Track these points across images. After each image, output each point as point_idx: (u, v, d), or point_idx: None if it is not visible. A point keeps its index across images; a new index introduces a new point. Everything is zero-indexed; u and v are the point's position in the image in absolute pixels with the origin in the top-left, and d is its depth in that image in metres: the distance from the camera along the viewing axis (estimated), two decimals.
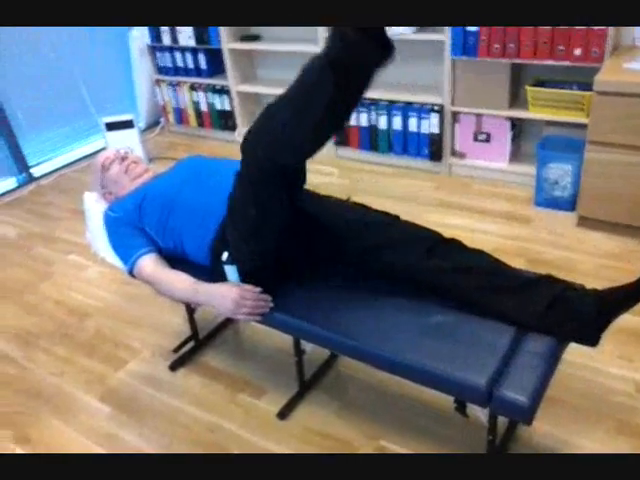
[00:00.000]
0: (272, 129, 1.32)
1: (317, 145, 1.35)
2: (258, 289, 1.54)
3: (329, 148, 3.57)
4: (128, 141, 3.62)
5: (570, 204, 2.69)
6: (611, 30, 2.46)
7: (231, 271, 1.54)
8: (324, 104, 1.24)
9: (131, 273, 1.71)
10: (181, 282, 1.62)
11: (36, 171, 3.74)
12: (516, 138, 3.05)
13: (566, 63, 2.62)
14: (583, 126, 2.53)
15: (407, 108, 3.16)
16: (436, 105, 3.06)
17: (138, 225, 1.74)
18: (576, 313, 1.33)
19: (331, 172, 3.38)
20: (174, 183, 1.78)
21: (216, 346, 2.12)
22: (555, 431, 1.65)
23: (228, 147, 3.91)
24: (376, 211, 1.68)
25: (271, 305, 1.54)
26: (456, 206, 2.90)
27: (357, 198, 3.04)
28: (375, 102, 3.25)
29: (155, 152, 3.91)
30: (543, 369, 1.29)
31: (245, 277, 1.56)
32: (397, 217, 1.65)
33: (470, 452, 1.60)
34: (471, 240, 2.59)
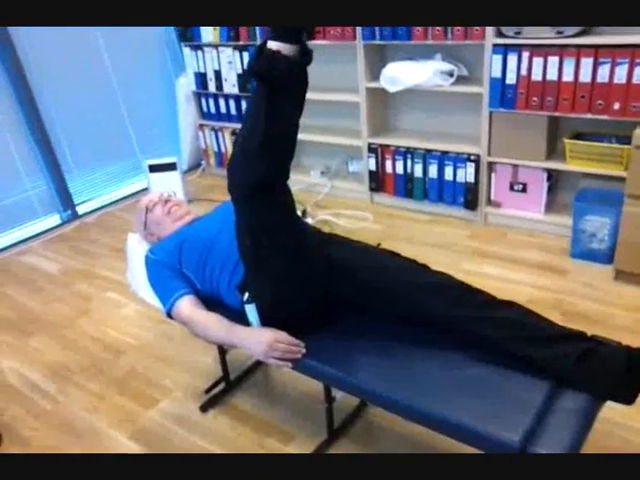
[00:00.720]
0: (234, 155, 1.49)
1: (279, 151, 1.49)
2: (291, 338, 1.56)
3: (364, 194, 3.62)
4: (170, 182, 3.74)
5: (607, 257, 2.65)
6: None
7: (251, 310, 1.58)
8: (264, 113, 1.39)
9: (169, 314, 1.75)
10: (216, 324, 1.65)
11: (81, 209, 3.88)
12: (552, 189, 3.04)
13: (605, 117, 2.63)
14: (621, 179, 2.52)
15: (443, 157, 3.19)
16: (473, 155, 3.08)
17: (177, 267, 1.79)
18: (606, 369, 1.31)
19: (366, 218, 3.42)
20: (212, 227, 1.83)
21: (246, 388, 2.13)
22: None
23: None
24: (405, 259, 1.69)
25: (303, 352, 1.55)
26: (491, 255, 2.89)
27: (391, 244, 3.09)
28: (411, 151, 3.30)
29: (195, 193, 4.02)
30: (578, 427, 1.26)
31: (265, 316, 1.59)
32: (426, 266, 1.66)
33: None
34: (505, 290, 2.61)
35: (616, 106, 2.58)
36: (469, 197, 3.18)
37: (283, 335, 1.55)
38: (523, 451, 1.21)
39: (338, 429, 1.86)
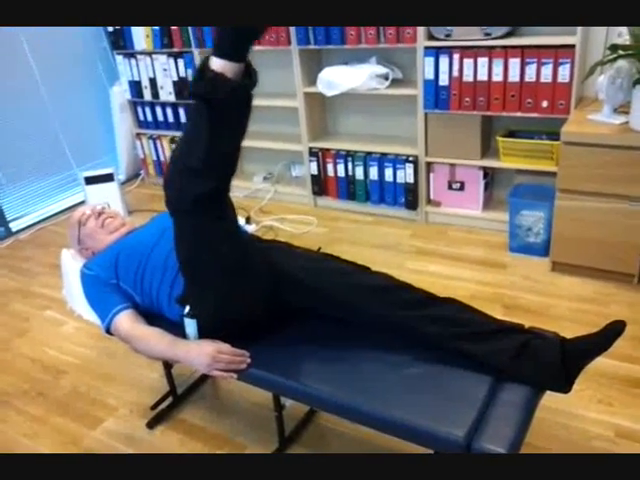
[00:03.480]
0: (172, 171, 1.42)
1: (220, 169, 1.44)
2: (234, 349, 1.55)
3: (308, 198, 3.63)
4: (108, 194, 3.64)
5: (544, 250, 2.75)
6: (575, 83, 2.57)
7: (190, 324, 1.56)
8: (206, 134, 1.33)
9: (108, 331, 1.70)
10: (157, 339, 1.61)
11: (14, 225, 3.73)
12: (489, 186, 3.13)
13: (534, 115, 2.72)
14: (553, 174, 2.62)
15: (383, 159, 3.23)
16: (411, 156, 3.14)
17: (114, 281, 1.74)
18: (542, 362, 1.35)
19: (310, 222, 3.42)
20: (149, 238, 1.79)
21: (194, 402, 2.09)
22: None
23: None
24: (345, 261, 1.70)
25: (248, 361, 1.54)
26: (433, 253, 2.95)
27: (336, 247, 3.12)
28: (351, 154, 3.33)
29: (135, 204, 3.93)
30: (520, 418, 1.29)
31: (205, 328, 1.57)
32: (367, 268, 1.67)
33: None
34: (449, 287, 2.66)
35: (544, 104, 2.68)
36: (410, 197, 3.23)
37: (225, 346, 1.54)
38: (468, 446, 1.23)
39: (290, 436, 1.85)
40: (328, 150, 3.41)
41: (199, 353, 1.52)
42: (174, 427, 1.98)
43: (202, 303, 1.55)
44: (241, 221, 3.39)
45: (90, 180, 3.67)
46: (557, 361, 1.33)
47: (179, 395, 2.09)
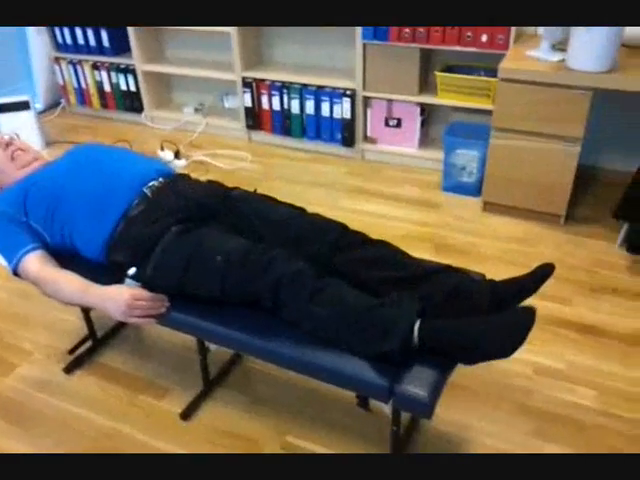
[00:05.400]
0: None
1: None
2: (152, 293, 1.46)
3: (241, 132, 3.47)
4: (23, 124, 3.37)
5: (476, 189, 2.74)
6: None
7: (133, 285, 1.47)
8: None
9: (16, 273, 1.57)
10: (69, 283, 1.50)
11: None
12: (426, 124, 3.07)
13: (473, 49, 2.65)
14: (489, 112, 2.58)
15: (320, 92, 3.10)
16: (348, 90, 3.02)
17: (23, 219, 1.60)
18: (472, 304, 1.34)
19: (244, 157, 3.29)
20: (64, 172, 1.65)
21: (116, 345, 2.00)
22: (458, 417, 1.67)
23: (135, 129, 3.71)
24: (282, 203, 1.62)
25: (167, 304, 1.46)
26: (368, 192, 2.90)
27: (271, 184, 3.02)
28: (287, 85, 3.17)
29: (54, 135, 3.66)
30: (442, 362, 1.28)
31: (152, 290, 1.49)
32: (303, 210, 1.60)
33: (377, 443, 1.60)
34: (383, 226, 2.63)
35: (484, 38, 2.61)
36: (346, 134, 3.14)
37: (142, 292, 1.44)
38: (391, 390, 1.21)
39: (215, 379, 1.81)
40: (263, 81, 3.24)
41: (114, 299, 1.42)
42: (93, 372, 1.90)
43: (165, 274, 1.46)
44: (169, 156, 3.23)
45: (3, 108, 3.37)
46: (486, 303, 1.32)
47: (99, 338, 1.99)
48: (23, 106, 3.37)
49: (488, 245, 2.42)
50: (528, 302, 1.31)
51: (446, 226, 2.57)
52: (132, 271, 1.47)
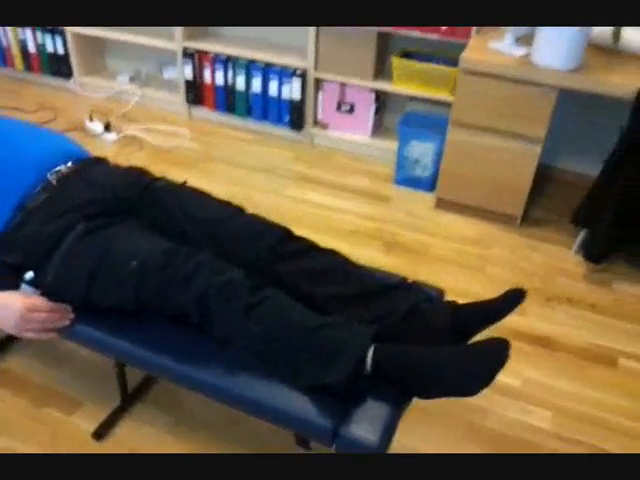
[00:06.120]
0: None
1: None
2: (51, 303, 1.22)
3: (181, 106, 3.19)
4: None
5: (430, 184, 2.60)
6: None
7: (27, 292, 1.22)
8: None
9: None
10: None
11: None
12: (380, 111, 2.90)
13: (434, 36, 2.48)
14: (448, 104, 2.43)
15: (268, 70, 2.87)
16: (299, 69, 2.80)
17: None
18: (431, 328, 1.18)
19: (182, 134, 3.02)
20: None
21: (19, 349, 1.73)
22: (402, 439, 1.52)
23: (61, 96, 3.36)
24: (215, 199, 1.41)
25: (71, 317, 1.23)
26: (316, 180, 2.70)
27: (209, 165, 2.77)
28: (233, 60, 2.92)
29: None
30: (396, 395, 1.11)
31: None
32: (240, 208, 1.40)
33: None
34: (330, 219, 2.45)
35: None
36: (295, 116, 2.92)
37: (40, 301, 1.21)
38: (335, 432, 1.04)
39: (135, 392, 1.59)
40: (206, 53, 2.97)
41: (4, 310, 1.18)
42: None
43: (68, 281, 1.22)
44: (99, 128, 2.92)
45: None
46: (447, 328, 1.16)
47: (2, 340, 1.73)
48: None
49: (440, 245, 2.29)
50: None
51: (397, 222, 2.42)
52: (29, 276, 1.23)
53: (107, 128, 2.94)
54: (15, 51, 3.44)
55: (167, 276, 1.16)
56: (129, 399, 1.56)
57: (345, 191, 2.62)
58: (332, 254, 1.31)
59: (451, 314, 1.18)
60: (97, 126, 2.95)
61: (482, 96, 2.18)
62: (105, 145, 2.88)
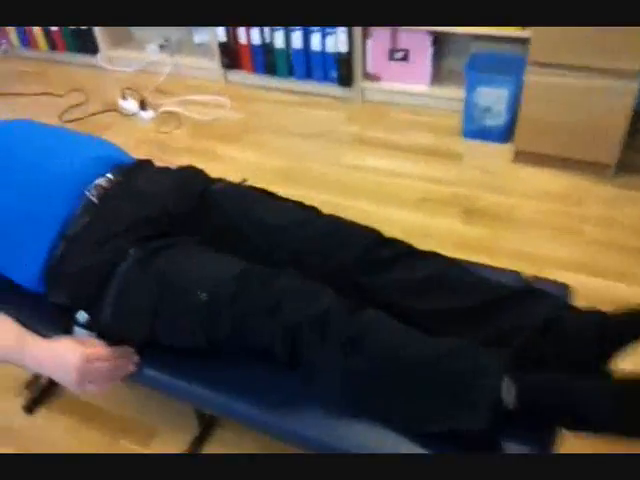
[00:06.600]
0: None
1: None
2: (112, 348, 1.06)
3: (217, 72, 2.94)
4: None
5: (504, 135, 2.31)
6: None
7: (80, 335, 1.06)
8: None
9: None
10: (3, 335, 1.07)
11: None
12: (439, 55, 2.57)
13: None
14: (520, 41, 2.11)
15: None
16: None
17: None
18: (573, 343, 0.96)
19: (222, 104, 2.78)
20: None
21: None
22: None
23: (89, 74, 3.16)
24: (283, 200, 1.20)
25: (136, 360, 1.07)
26: (372, 142, 2.45)
27: (257, 137, 2.54)
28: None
29: None
30: (538, 434, 0.91)
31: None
32: (315, 209, 1.18)
33: None
34: (395, 186, 2.20)
35: None
36: (342, 71, 2.64)
37: (99, 349, 1.04)
38: None
39: (211, 417, 1.44)
40: None
41: (62, 366, 1.02)
42: (60, 409, 1.51)
43: (127, 322, 1.05)
44: (134, 106, 2.71)
45: None
46: (593, 341, 0.94)
47: None
48: None
49: (526, 206, 2.02)
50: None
51: (472, 183, 2.15)
52: (82, 317, 1.06)
53: (142, 106, 2.74)
54: (37, 30, 3.24)
55: (243, 308, 0.97)
56: (208, 424, 1.41)
57: (408, 151, 2.36)
58: (433, 257, 1.09)
59: (598, 325, 0.95)
60: (131, 105, 2.75)
61: (566, 28, 1.85)
62: (142, 124, 2.69)
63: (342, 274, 1.07)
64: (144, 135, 2.61)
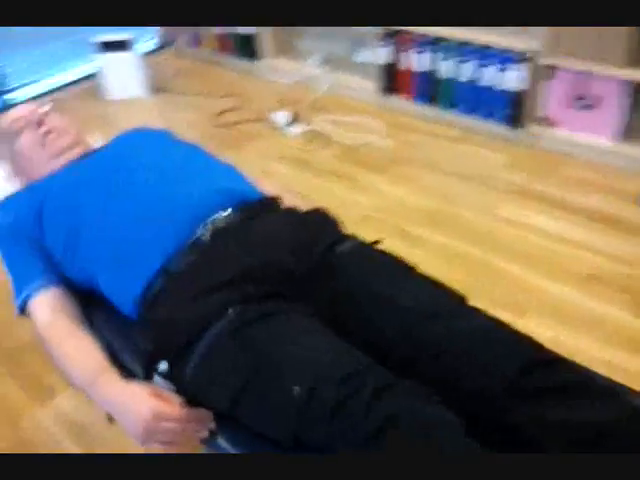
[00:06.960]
0: None
1: None
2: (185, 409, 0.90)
3: (372, 94, 2.77)
4: (125, 66, 2.92)
5: None
6: None
7: (163, 387, 0.92)
8: None
9: (23, 312, 1.08)
10: (82, 359, 0.98)
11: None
12: (634, 108, 2.19)
13: None
14: None
15: (484, 52, 2.32)
16: (526, 52, 2.21)
17: (37, 236, 1.09)
18: None
19: (375, 129, 2.60)
20: (90, 179, 1.11)
21: None
22: None
23: (248, 80, 3.14)
24: (421, 277, 0.97)
25: (211, 427, 0.90)
26: (537, 196, 2.13)
27: (405, 169, 2.32)
28: (440, 42, 2.42)
29: (158, 81, 3.15)
30: None
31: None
32: (463, 299, 0.94)
33: None
34: (559, 255, 1.87)
35: None
36: (514, 110, 2.35)
37: (172, 408, 0.89)
38: None
39: None
40: (408, 33, 2.51)
41: (129, 413, 0.89)
42: None
43: (210, 385, 0.90)
44: (284, 119, 2.61)
45: (107, 46, 2.91)
46: None
47: None
48: (122, 46, 2.89)
49: None
50: None
51: None
52: (162, 367, 0.91)
53: (293, 119, 2.63)
54: (208, 32, 3.30)
55: (343, 422, 0.76)
56: None
57: (580, 215, 2.01)
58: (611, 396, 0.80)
59: None
60: (282, 117, 2.65)
61: None
62: (287, 140, 2.58)
63: (485, 398, 0.81)
64: (288, 150, 2.50)
